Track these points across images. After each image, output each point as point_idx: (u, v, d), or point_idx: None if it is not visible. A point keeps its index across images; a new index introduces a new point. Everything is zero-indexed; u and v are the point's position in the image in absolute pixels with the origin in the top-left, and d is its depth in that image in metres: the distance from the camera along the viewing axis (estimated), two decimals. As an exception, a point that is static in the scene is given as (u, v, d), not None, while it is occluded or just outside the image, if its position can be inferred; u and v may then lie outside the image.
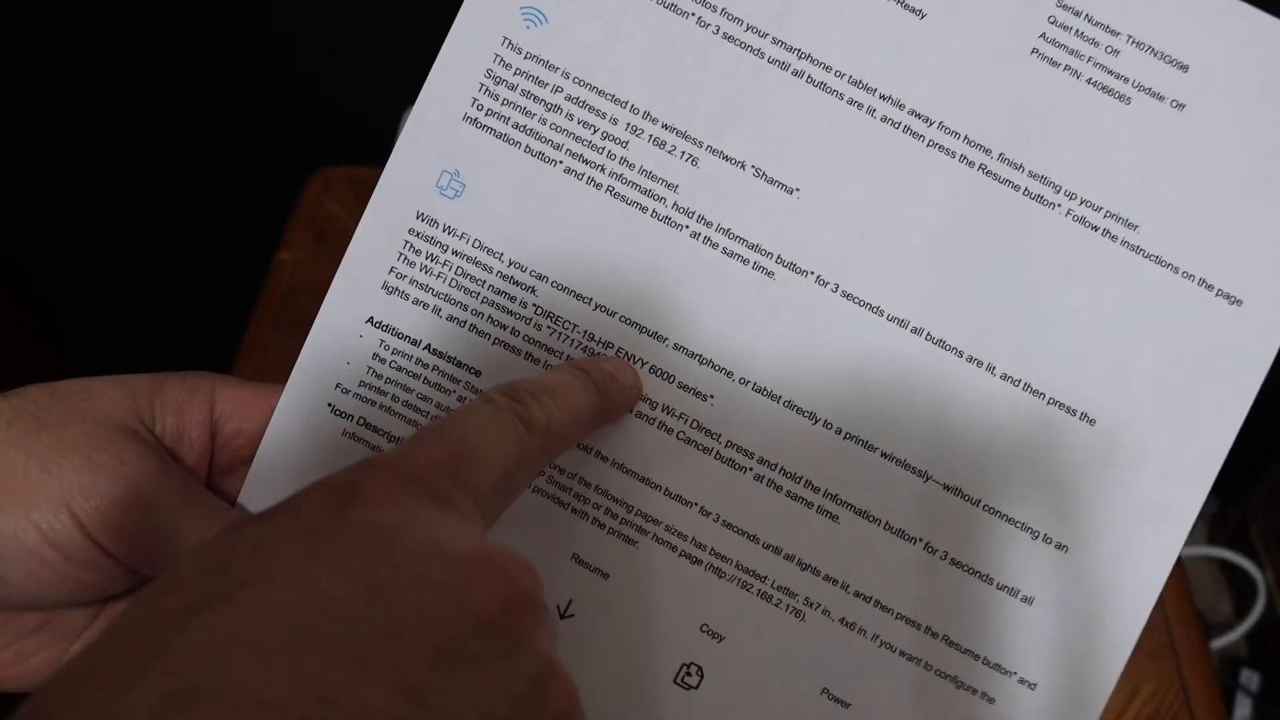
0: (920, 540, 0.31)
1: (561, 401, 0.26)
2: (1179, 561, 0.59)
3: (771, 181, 0.30)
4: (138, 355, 1.08)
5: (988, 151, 0.30)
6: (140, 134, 0.85)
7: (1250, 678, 1.07)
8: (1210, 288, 0.31)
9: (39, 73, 0.81)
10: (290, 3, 0.75)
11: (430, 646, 0.19)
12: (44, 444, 0.26)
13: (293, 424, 0.30)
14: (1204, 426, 0.32)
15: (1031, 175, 0.30)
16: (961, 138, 0.30)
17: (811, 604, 0.31)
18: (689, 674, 0.30)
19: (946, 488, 0.31)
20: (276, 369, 0.66)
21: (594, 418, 0.28)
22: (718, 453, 0.31)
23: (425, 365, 0.30)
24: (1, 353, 0.99)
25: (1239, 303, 0.31)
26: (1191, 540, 1.18)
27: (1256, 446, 1.10)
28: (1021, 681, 0.31)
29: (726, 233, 0.30)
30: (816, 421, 0.31)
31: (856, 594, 0.31)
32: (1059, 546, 0.31)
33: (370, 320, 0.31)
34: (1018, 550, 0.31)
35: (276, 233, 0.75)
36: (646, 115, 0.30)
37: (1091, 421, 0.31)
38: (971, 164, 0.30)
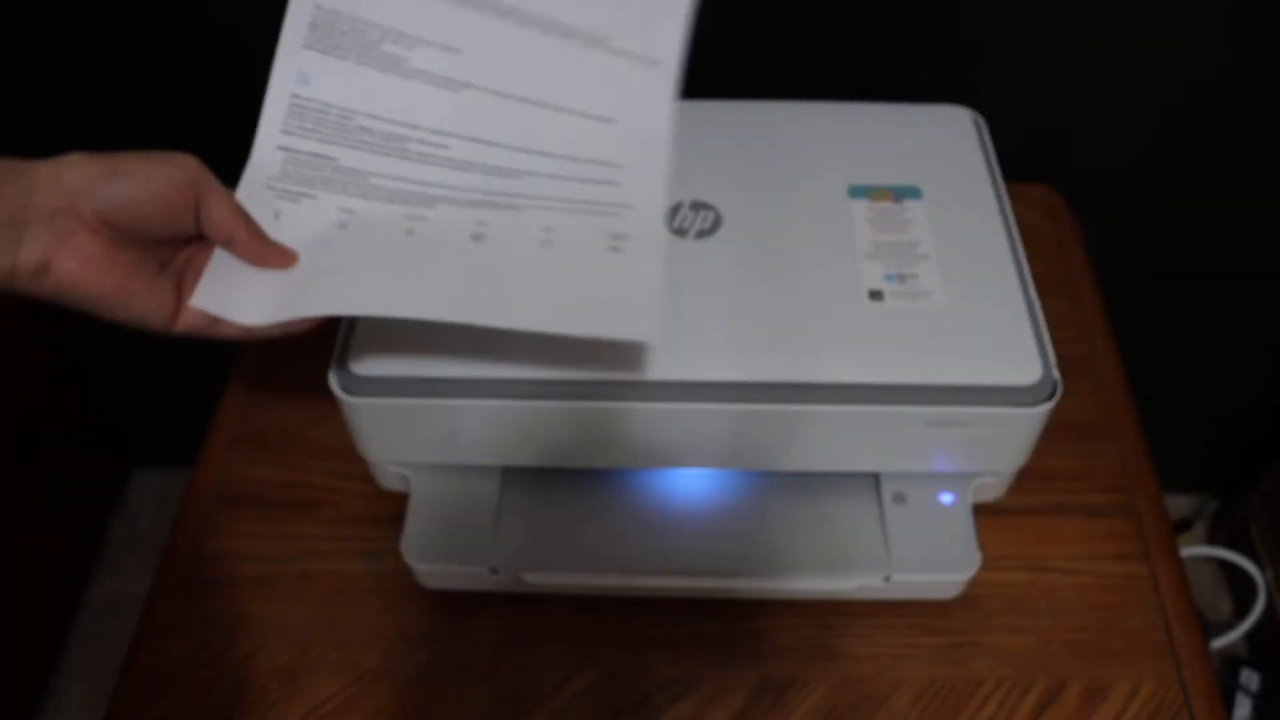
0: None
1: None
2: (1179, 560, 0.59)
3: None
4: (139, 352, 1.08)
5: None
6: (141, 134, 0.85)
7: (1250, 678, 1.07)
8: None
9: (41, 70, 0.81)
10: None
11: None
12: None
13: (245, 198, 0.46)
14: None
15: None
16: None
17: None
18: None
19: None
20: (277, 368, 0.66)
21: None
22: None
23: (301, 158, 0.47)
24: (3, 350, 1.00)
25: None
26: (1191, 540, 1.18)
27: (1256, 447, 1.10)
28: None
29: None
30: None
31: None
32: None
33: (279, 147, 0.47)
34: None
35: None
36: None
37: None
38: None
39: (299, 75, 0.46)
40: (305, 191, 0.46)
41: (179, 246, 0.44)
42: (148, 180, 0.41)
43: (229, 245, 0.44)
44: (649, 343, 0.44)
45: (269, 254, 0.44)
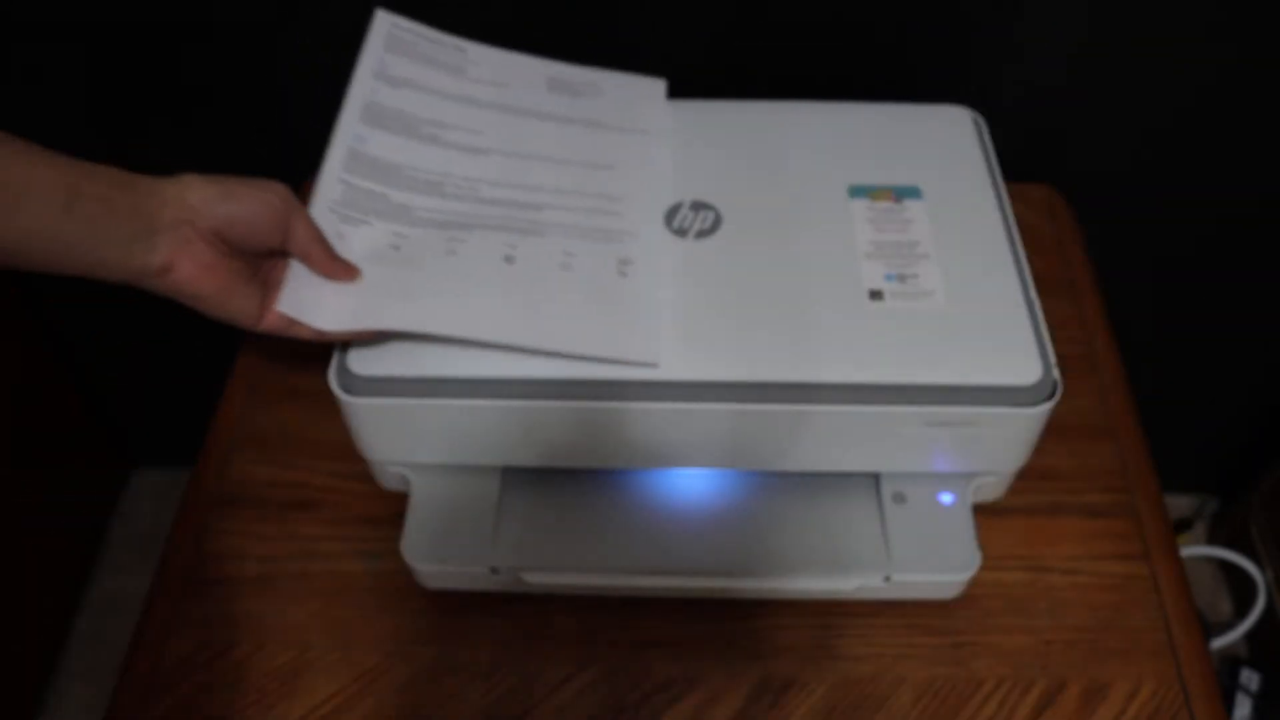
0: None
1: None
2: (1179, 560, 0.59)
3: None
4: (139, 352, 1.08)
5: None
6: (140, 134, 0.85)
7: (1250, 678, 1.07)
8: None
9: (38, 69, 0.81)
10: (294, 3, 0.75)
11: None
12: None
13: (321, 220, 0.53)
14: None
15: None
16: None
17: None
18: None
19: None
20: (277, 369, 0.66)
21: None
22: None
23: (358, 190, 0.55)
24: (3, 350, 1.00)
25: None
26: (1191, 540, 1.19)
27: (1256, 447, 1.10)
28: None
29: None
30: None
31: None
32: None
33: (341, 180, 0.54)
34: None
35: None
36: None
37: None
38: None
39: (356, 137, 0.56)
40: (363, 218, 0.53)
41: (266, 258, 0.52)
42: (253, 203, 0.49)
43: (306, 259, 0.51)
44: (654, 365, 0.49)
45: (338, 269, 0.51)
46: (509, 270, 0.52)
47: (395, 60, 0.60)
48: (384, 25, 0.61)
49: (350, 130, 0.56)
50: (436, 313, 0.50)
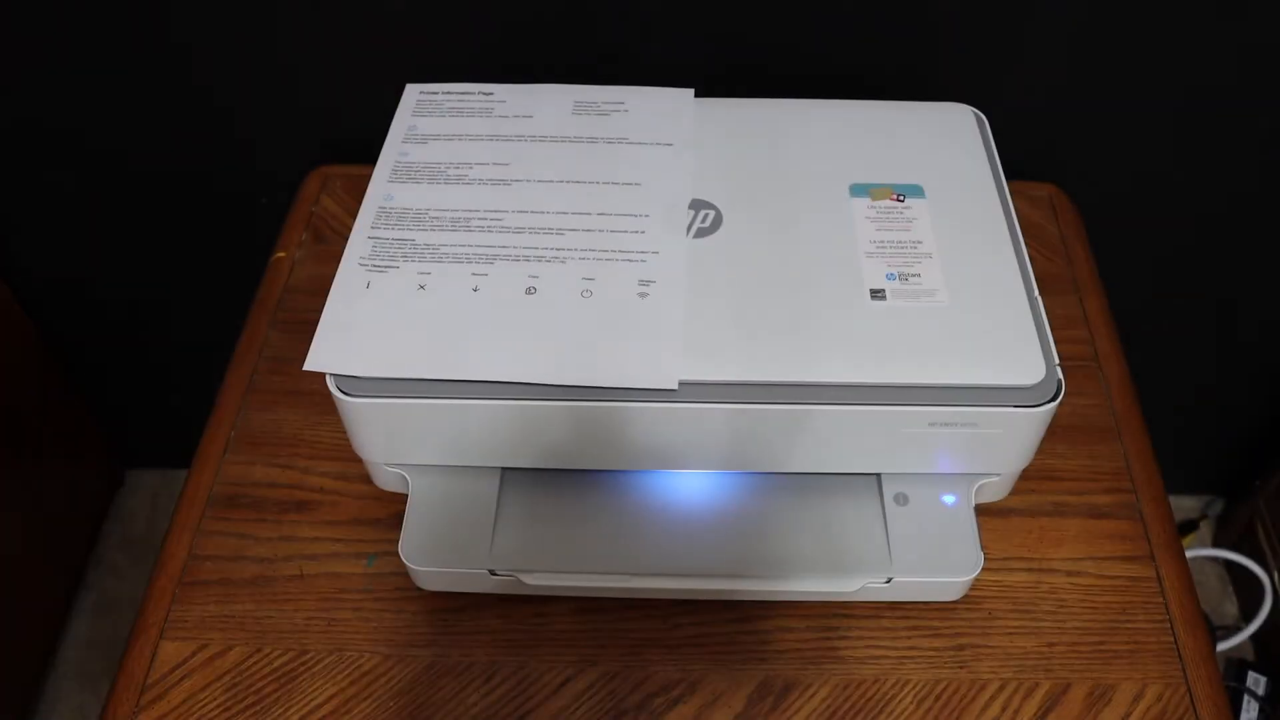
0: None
1: None
2: (1184, 562, 0.59)
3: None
4: (136, 355, 1.08)
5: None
6: (137, 133, 0.85)
7: (1257, 681, 1.06)
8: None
9: (33, 67, 0.81)
10: (288, 3, 0.75)
11: None
12: None
13: (343, 274, 0.54)
14: None
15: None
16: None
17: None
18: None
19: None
20: (274, 369, 0.66)
21: None
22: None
23: (386, 242, 0.55)
24: (2, 352, 0.99)
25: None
26: (1197, 542, 1.18)
27: (1263, 447, 1.10)
28: None
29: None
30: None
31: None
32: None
33: (369, 237, 0.55)
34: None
35: (274, 231, 0.75)
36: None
37: None
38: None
39: (384, 196, 0.57)
40: (390, 265, 0.54)
41: None
42: None
43: None
44: (670, 388, 0.49)
45: None
46: (530, 303, 0.52)
47: (423, 121, 0.62)
48: (412, 95, 0.64)
49: (379, 192, 0.58)
50: (458, 358, 0.50)
